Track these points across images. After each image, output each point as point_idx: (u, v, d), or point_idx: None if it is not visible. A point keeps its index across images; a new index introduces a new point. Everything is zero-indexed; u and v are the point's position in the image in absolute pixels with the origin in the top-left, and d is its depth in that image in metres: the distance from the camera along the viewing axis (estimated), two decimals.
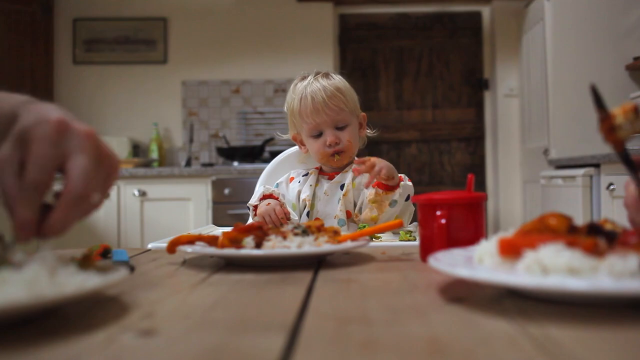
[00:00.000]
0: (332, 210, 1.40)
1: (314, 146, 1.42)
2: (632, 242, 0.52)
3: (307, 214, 1.41)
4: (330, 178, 1.45)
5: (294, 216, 1.41)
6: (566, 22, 3.29)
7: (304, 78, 1.45)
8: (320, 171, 1.49)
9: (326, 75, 1.44)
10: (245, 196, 1.69)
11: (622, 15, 3.23)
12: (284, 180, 1.52)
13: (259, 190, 1.49)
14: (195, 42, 4.03)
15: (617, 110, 0.63)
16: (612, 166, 2.49)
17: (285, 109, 1.49)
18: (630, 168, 0.66)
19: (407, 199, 1.32)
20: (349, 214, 1.39)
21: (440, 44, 4.20)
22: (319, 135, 1.41)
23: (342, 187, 1.41)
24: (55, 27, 3.99)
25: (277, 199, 1.40)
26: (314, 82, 1.41)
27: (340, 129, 1.40)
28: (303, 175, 1.49)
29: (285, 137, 1.56)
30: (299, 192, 1.45)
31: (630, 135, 0.63)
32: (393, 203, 1.29)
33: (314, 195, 1.44)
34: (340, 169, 1.45)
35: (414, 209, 1.35)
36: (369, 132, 1.51)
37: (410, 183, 1.34)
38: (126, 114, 4.01)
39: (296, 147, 1.60)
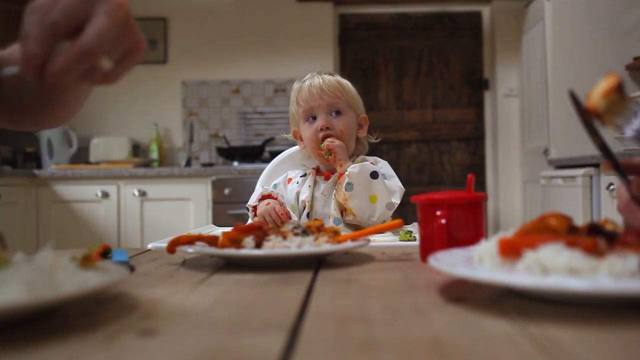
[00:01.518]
0: (330, 211, 1.39)
1: (307, 133, 1.41)
2: (632, 242, 0.52)
3: (307, 215, 1.41)
4: (327, 178, 1.43)
5: (294, 217, 1.41)
6: (566, 22, 3.29)
7: (301, 80, 1.46)
8: (318, 171, 1.48)
9: (330, 74, 1.45)
10: (245, 196, 1.68)
11: (622, 15, 3.23)
12: (281, 181, 1.51)
13: (257, 190, 1.48)
14: (195, 42, 4.03)
15: (595, 97, 0.59)
16: None
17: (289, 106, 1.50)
18: (619, 172, 0.66)
19: (375, 176, 1.31)
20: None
21: (440, 44, 4.20)
22: (313, 120, 1.40)
23: None
24: None
25: (276, 198, 1.40)
26: (317, 76, 1.43)
27: (335, 116, 1.40)
28: (301, 176, 1.48)
29: (286, 135, 1.55)
30: (298, 194, 1.44)
31: (621, 113, 0.59)
32: (348, 187, 1.29)
33: (312, 196, 1.43)
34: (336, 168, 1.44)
35: (393, 188, 1.34)
36: (370, 138, 1.50)
37: (372, 164, 1.34)
38: (126, 114, 4.01)
39: (296, 147, 1.60)
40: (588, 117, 0.61)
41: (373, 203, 1.30)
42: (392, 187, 1.34)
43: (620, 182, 0.68)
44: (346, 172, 1.30)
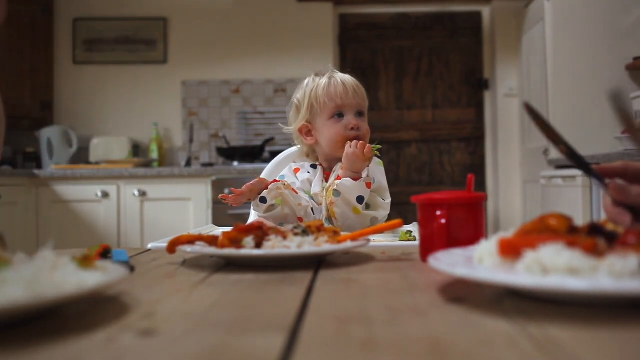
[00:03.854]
0: None
1: (331, 130, 1.37)
2: (632, 242, 0.52)
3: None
4: (328, 177, 1.41)
5: (307, 198, 1.37)
6: (566, 22, 3.29)
7: (317, 75, 1.43)
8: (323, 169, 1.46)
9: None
10: None
11: (622, 15, 3.23)
12: (287, 173, 1.45)
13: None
14: (195, 42, 4.03)
15: None
16: None
17: (295, 100, 1.44)
18: (594, 176, 0.66)
19: (361, 202, 1.29)
20: None
21: (440, 44, 4.20)
22: (339, 118, 1.37)
23: None
24: (55, 27, 3.99)
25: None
26: (339, 73, 1.42)
27: (360, 117, 1.39)
28: (310, 166, 1.44)
29: (287, 129, 1.48)
30: (310, 182, 1.40)
31: None
32: (335, 193, 1.27)
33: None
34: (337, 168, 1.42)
35: (377, 205, 1.33)
36: None
37: (368, 187, 1.31)
38: (126, 114, 4.01)
39: (295, 148, 1.57)
40: (546, 126, 0.60)
41: (356, 214, 1.29)
42: (377, 205, 1.33)
43: (598, 186, 0.69)
44: (338, 181, 1.28)
